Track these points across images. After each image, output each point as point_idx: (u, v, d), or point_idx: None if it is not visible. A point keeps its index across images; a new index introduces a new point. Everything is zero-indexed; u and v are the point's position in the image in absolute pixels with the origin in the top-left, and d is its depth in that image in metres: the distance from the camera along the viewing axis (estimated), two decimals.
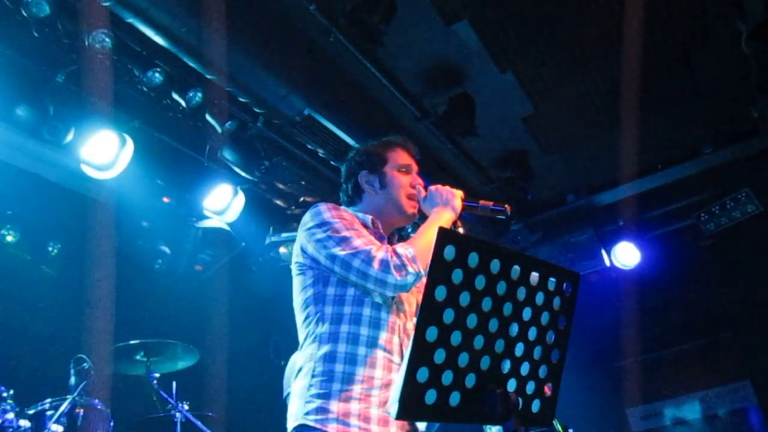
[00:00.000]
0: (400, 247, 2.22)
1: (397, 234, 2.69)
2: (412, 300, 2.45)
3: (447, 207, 2.41)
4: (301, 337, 2.37)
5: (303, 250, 2.38)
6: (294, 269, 2.44)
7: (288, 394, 2.33)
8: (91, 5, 3.73)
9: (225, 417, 5.00)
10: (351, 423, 2.12)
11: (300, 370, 2.28)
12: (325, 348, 2.23)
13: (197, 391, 5.00)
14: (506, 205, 2.46)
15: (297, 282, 2.41)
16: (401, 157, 2.62)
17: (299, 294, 2.39)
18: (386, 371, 2.24)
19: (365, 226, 2.43)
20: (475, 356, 1.64)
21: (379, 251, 2.19)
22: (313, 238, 2.32)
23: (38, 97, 4.14)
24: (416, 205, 2.55)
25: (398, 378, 1.56)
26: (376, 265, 2.16)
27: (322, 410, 2.13)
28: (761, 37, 4.34)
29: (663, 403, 7.07)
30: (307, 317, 2.33)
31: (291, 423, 2.20)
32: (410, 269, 2.16)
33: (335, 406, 2.13)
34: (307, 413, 2.14)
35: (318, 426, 2.11)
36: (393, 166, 2.59)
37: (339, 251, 2.23)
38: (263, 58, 4.32)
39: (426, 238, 2.28)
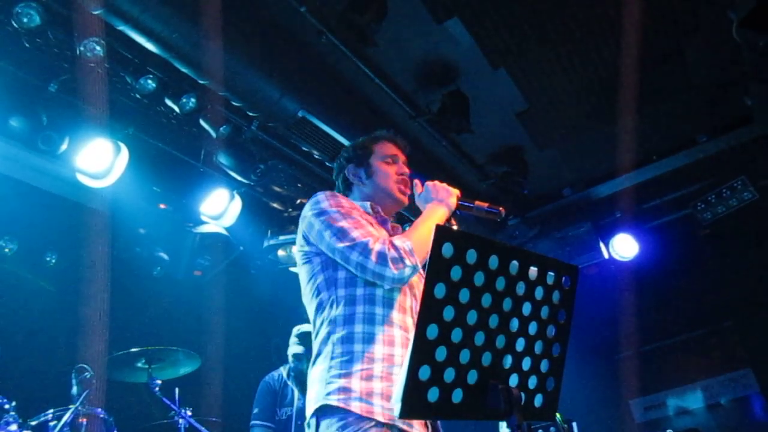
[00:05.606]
0: (398, 240, 2.22)
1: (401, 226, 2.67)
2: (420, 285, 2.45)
3: (442, 204, 2.42)
4: (315, 325, 2.34)
5: (306, 239, 2.39)
6: (299, 258, 2.43)
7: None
8: (81, 14, 3.72)
9: (228, 421, 5.00)
10: (374, 402, 2.09)
11: (318, 355, 2.25)
12: (342, 330, 2.21)
13: (200, 396, 4.99)
14: (501, 208, 2.45)
15: (304, 271, 2.40)
16: (387, 148, 2.67)
17: (309, 282, 2.37)
18: (405, 349, 2.21)
19: (366, 212, 2.44)
20: (477, 353, 1.64)
21: (377, 243, 2.19)
22: (313, 228, 2.33)
23: (31, 107, 4.14)
24: (406, 190, 2.59)
25: (400, 377, 1.55)
26: (373, 257, 2.15)
27: (344, 390, 2.11)
28: (752, 24, 4.34)
29: (665, 394, 7.09)
30: (320, 304, 2.31)
31: (311, 406, 2.17)
32: (408, 262, 2.16)
33: (357, 385, 2.11)
34: (328, 394, 2.12)
35: (341, 405, 2.08)
36: (378, 157, 2.64)
37: (337, 243, 2.23)
38: (256, 61, 4.31)
39: (421, 231, 2.28)
